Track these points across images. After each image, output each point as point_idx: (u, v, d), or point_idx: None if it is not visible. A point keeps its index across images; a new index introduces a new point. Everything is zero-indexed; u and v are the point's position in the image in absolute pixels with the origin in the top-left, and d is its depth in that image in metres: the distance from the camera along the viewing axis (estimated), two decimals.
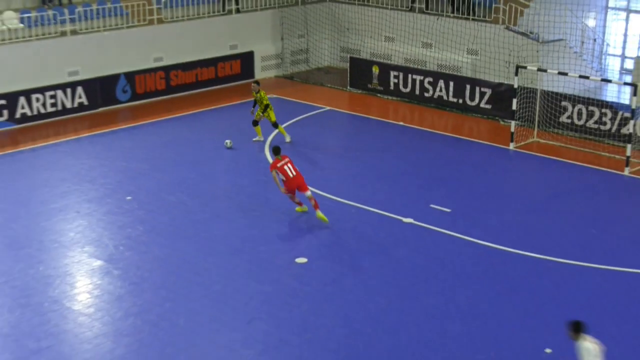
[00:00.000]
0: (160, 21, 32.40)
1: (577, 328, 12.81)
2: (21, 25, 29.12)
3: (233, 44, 34.08)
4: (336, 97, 32.11)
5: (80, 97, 29.66)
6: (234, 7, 34.31)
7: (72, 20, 30.12)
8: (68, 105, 29.43)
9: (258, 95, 26.13)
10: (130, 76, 30.90)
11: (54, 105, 29.09)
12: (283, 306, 16.87)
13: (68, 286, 17.83)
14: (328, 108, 30.67)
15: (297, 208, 21.31)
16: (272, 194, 22.01)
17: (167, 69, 31.92)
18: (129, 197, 22.38)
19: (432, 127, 28.44)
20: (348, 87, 33.05)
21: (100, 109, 30.16)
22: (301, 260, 18.74)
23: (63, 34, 29.97)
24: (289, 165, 20.79)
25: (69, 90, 29.37)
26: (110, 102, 30.51)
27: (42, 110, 28.80)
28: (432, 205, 21.64)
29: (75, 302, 17.18)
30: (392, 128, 28.56)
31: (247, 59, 34.33)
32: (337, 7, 35.68)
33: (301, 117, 29.55)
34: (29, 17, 29.26)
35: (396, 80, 31.58)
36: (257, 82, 26.77)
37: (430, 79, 30.66)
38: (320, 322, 16.25)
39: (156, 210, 21.66)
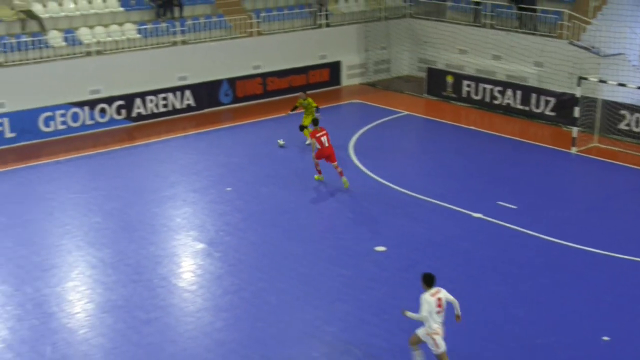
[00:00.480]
0: (259, 33, 32.46)
1: (429, 281, 12.80)
2: (138, 35, 29.50)
3: (322, 54, 33.94)
4: (414, 103, 31.72)
5: (188, 99, 29.93)
6: (324, 21, 34.20)
7: (183, 32, 30.43)
8: (177, 106, 29.73)
9: (305, 102, 26.13)
10: (232, 81, 31.04)
11: (165, 106, 29.41)
12: (363, 289, 16.67)
13: (174, 265, 17.96)
14: (406, 113, 30.31)
15: (316, 176, 22.73)
16: (352, 187, 21.85)
17: (264, 75, 31.97)
18: (228, 188, 22.44)
19: (500, 132, 27.85)
20: (425, 94, 32.62)
21: (205, 110, 30.38)
22: (380, 248, 18.51)
23: (174, 43, 30.26)
24: (325, 137, 22.28)
25: (178, 93, 29.67)
26: (214, 104, 30.72)
27: (155, 110, 29.14)
28: (499, 202, 21.16)
29: (180, 280, 17.28)
30: (463, 132, 28.07)
31: (334, 67, 34.18)
32: (416, 23, 35.29)
33: (382, 120, 29.27)
34: (145, 29, 29.62)
35: (468, 89, 31.09)
36: (304, 92, 26.93)
37: (500, 88, 30.11)
38: (396, 304, 15.96)
39: (252, 200, 21.66)
